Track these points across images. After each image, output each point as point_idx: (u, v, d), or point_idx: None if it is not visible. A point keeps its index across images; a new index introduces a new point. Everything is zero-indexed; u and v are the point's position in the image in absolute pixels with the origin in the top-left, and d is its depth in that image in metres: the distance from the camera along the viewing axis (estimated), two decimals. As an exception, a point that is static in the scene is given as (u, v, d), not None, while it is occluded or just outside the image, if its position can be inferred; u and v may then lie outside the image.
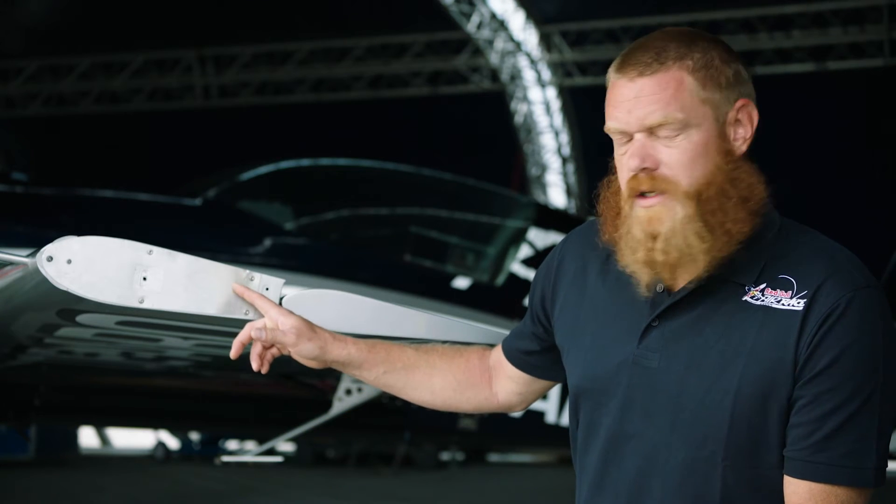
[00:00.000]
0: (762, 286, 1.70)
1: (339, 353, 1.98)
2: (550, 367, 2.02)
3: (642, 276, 1.73)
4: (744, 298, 1.71)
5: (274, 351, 1.96)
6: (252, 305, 1.97)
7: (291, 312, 1.96)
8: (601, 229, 1.83)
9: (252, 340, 1.93)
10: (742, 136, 1.73)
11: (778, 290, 1.69)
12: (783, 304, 1.68)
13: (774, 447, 1.68)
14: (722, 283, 1.72)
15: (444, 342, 2.19)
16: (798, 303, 1.67)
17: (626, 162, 1.73)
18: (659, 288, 1.76)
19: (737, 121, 1.73)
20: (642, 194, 1.71)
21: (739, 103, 1.73)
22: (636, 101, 1.69)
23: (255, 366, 1.95)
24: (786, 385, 1.66)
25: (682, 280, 1.75)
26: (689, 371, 1.71)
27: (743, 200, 1.70)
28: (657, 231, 1.69)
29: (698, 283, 1.72)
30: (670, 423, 1.72)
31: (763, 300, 1.69)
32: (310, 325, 1.97)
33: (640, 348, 1.76)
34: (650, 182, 1.69)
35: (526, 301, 2.07)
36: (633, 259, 1.72)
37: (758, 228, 1.73)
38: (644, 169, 1.69)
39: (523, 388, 2.08)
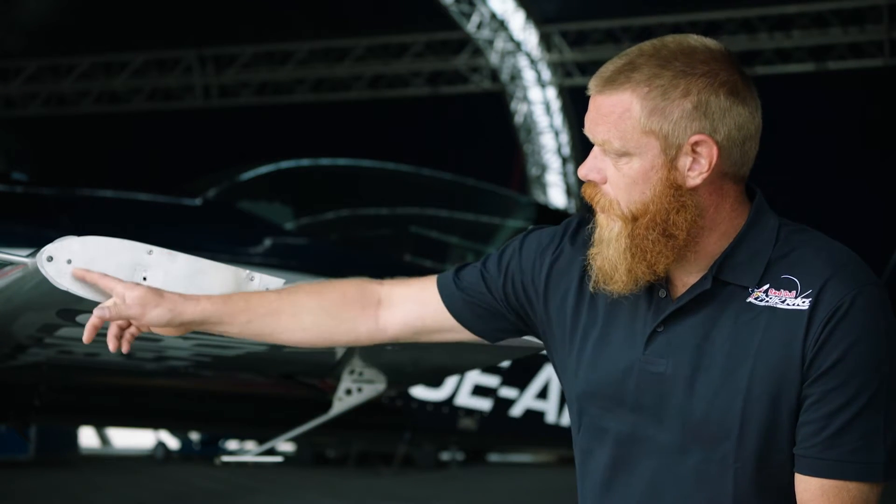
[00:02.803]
0: (765, 287, 1.71)
1: (192, 311, 1.91)
2: (495, 329, 1.98)
3: (591, 272, 1.78)
4: (748, 300, 1.71)
5: (132, 330, 1.89)
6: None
7: (138, 285, 1.90)
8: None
9: (106, 322, 1.88)
10: (698, 171, 1.70)
11: (782, 291, 1.69)
12: (788, 304, 1.68)
13: (785, 447, 1.69)
14: (724, 286, 1.73)
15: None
16: (803, 302, 1.67)
17: None
18: (662, 294, 1.77)
19: (695, 152, 1.69)
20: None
21: (695, 139, 1.68)
22: (591, 116, 1.73)
23: (111, 347, 1.88)
24: (794, 384, 1.67)
25: (684, 285, 1.77)
26: (698, 375, 1.72)
27: (670, 237, 1.70)
28: (600, 236, 1.76)
29: (700, 288, 1.73)
30: (681, 426, 1.72)
31: (767, 301, 1.70)
32: (156, 292, 1.89)
33: (646, 354, 1.76)
34: (592, 193, 1.75)
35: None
36: (595, 266, 1.78)
37: (753, 230, 1.74)
38: (591, 180, 1.75)
39: (417, 324, 2.00)
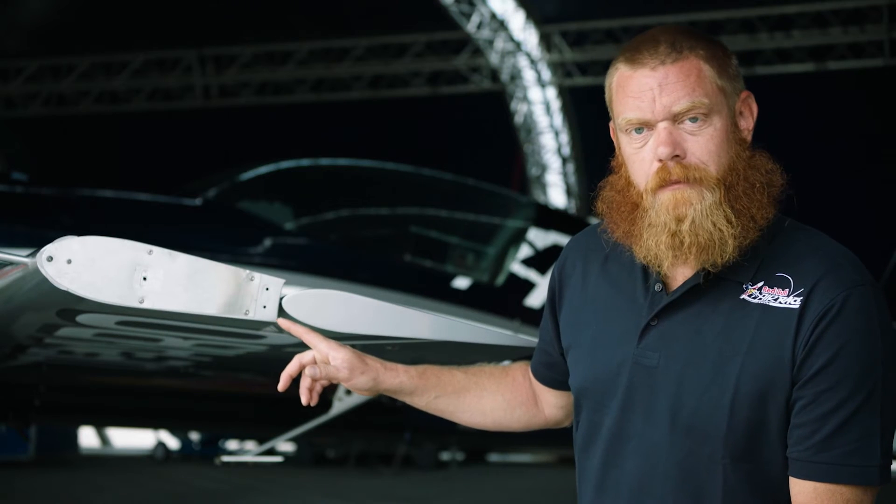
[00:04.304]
0: (760, 284, 1.70)
1: (391, 381, 1.99)
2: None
3: (664, 260, 1.72)
4: (741, 297, 1.71)
5: (324, 382, 1.96)
6: (300, 339, 1.98)
7: (341, 345, 1.96)
8: (611, 228, 1.81)
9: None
10: (746, 128, 1.75)
11: (775, 289, 1.69)
12: (780, 303, 1.68)
13: (774, 444, 1.68)
14: (719, 281, 1.72)
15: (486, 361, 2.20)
16: (795, 301, 1.67)
17: (649, 151, 1.71)
18: (657, 287, 1.77)
19: (741, 112, 1.75)
20: (667, 183, 1.70)
21: (744, 94, 1.75)
22: (661, 88, 1.69)
23: (304, 399, 1.95)
24: (784, 383, 1.66)
25: (681, 279, 1.76)
26: (688, 369, 1.71)
27: (765, 186, 1.72)
28: (684, 214, 1.68)
29: (695, 281, 1.73)
30: (669, 421, 1.72)
31: (761, 298, 1.69)
32: (360, 357, 1.97)
33: (639, 348, 1.76)
34: (681, 171, 1.69)
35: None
36: (657, 243, 1.71)
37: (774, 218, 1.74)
38: (675, 157, 1.69)
39: (562, 400, 2.06)
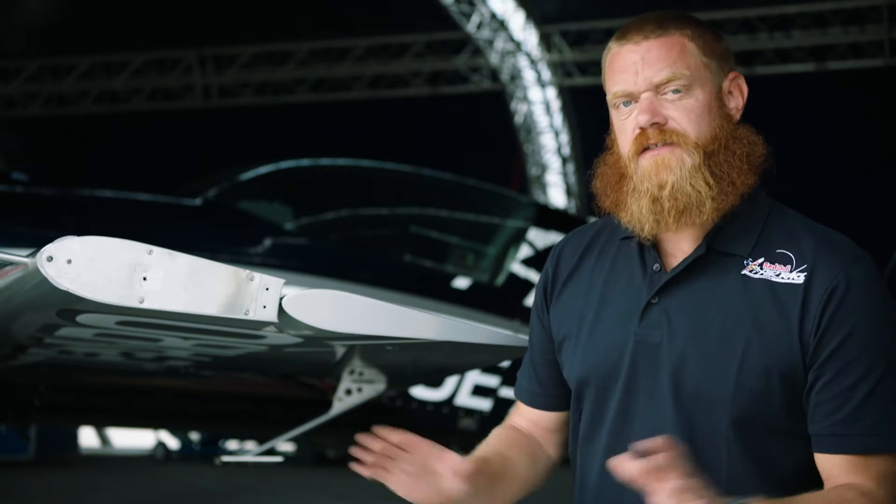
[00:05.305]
0: (760, 260, 1.73)
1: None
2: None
3: (645, 224, 1.75)
4: (743, 272, 1.73)
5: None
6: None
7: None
8: (601, 200, 1.85)
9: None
10: (735, 107, 1.80)
11: (777, 265, 1.72)
12: (783, 278, 1.71)
13: (778, 419, 1.70)
14: (719, 256, 1.75)
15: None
16: (798, 276, 1.70)
17: (632, 121, 1.77)
18: (655, 267, 1.79)
19: (730, 92, 1.79)
20: (647, 149, 1.75)
21: (732, 75, 1.80)
22: (643, 61, 1.75)
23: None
24: (791, 359, 1.68)
25: (680, 255, 1.78)
26: (691, 344, 1.72)
27: (746, 156, 1.76)
28: (665, 179, 1.73)
29: (695, 255, 1.75)
30: (673, 395, 1.73)
31: (762, 274, 1.72)
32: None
33: (641, 327, 1.77)
34: (659, 135, 1.74)
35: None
36: (638, 207, 1.75)
37: (754, 195, 1.77)
38: (654, 124, 1.74)
39: (559, 424, 2.00)
